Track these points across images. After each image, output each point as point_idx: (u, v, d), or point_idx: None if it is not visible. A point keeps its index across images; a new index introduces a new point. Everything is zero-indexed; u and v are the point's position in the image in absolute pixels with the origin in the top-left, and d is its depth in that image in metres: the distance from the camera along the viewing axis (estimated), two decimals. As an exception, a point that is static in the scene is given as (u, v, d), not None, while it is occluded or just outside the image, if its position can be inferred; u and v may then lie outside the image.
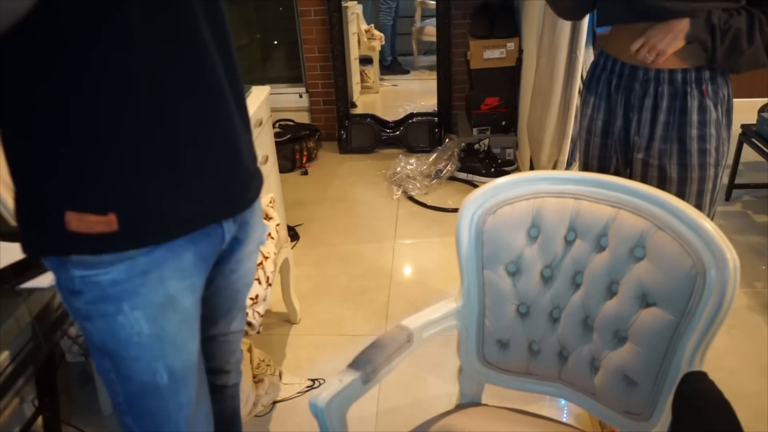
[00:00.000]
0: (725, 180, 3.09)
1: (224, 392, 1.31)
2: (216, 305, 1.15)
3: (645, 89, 1.46)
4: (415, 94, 5.06)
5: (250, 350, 2.01)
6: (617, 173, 1.57)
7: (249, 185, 1.05)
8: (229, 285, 1.14)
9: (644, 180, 1.51)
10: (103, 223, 0.86)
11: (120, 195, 0.86)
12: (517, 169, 3.53)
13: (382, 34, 5.15)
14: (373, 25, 5.15)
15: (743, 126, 2.97)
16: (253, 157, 1.08)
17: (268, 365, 2.03)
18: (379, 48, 5.10)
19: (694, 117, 1.44)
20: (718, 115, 1.46)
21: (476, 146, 3.61)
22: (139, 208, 0.88)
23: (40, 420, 1.56)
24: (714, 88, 1.43)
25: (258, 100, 2.39)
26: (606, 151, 1.59)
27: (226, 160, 0.97)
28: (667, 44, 1.34)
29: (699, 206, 1.49)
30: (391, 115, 4.15)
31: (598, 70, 1.58)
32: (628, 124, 1.52)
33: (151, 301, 0.92)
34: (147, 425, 1.01)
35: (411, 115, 4.05)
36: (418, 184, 3.45)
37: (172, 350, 0.96)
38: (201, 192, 0.94)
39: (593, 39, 2.44)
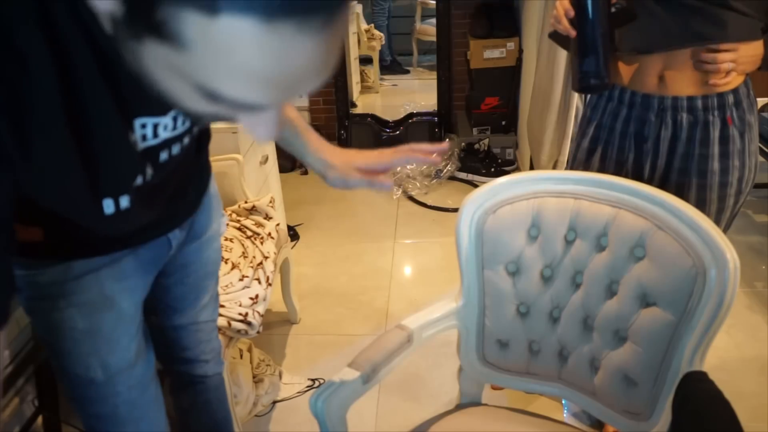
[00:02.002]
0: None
1: (206, 382, 1.32)
2: (180, 295, 1.16)
3: (661, 119, 1.35)
4: (415, 93, 5.05)
5: (250, 350, 2.01)
6: None
7: (191, 199, 1.05)
8: (191, 274, 1.15)
9: None
10: (28, 233, 0.86)
11: (45, 215, 0.84)
12: (517, 169, 3.53)
13: (381, 34, 5.14)
14: (373, 24, 5.15)
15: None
16: (201, 165, 1.07)
17: (268, 365, 2.03)
18: (379, 48, 5.09)
19: (716, 149, 1.33)
20: (744, 144, 1.35)
21: (476, 146, 3.61)
22: (64, 229, 0.87)
23: (40, 420, 1.56)
24: (740, 114, 1.33)
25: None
26: None
27: (161, 204, 0.95)
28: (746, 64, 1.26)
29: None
30: (391, 114, 4.15)
31: (602, 100, 1.45)
32: (641, 156, 1.41)
33: (86, 299, 0.94)
34: (89, 410, 1.04)
35: (411, 115, 4.05)
36: (418, 184, 3.45)
37: (105, 347, 0.97)
38: (132, 227, 0.92)
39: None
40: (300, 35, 0.44)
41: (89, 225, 0.83)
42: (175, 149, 0.82)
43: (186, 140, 0.84)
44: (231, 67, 0.45)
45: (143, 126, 0.74)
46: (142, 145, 0.75)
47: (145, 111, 0.72)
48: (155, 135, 0.76)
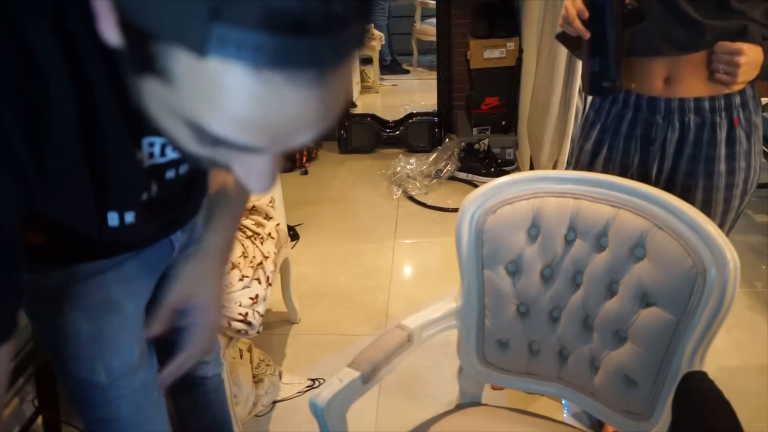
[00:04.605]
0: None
1: (206, 384, 1.32)
2: None
3: (669, 121, 1.35)
4: (415, 93, 5.05)
5: (250, 350, 2.01)
6: None
7: (193, 202, 1.04)
8: None
9: None
10: (30, 237, 0.85)
11: (47, 221, 0.83)
12: (517, 169, 3.53)
13: (381, 34, 5.15)
14: (372, 24, 5.14)
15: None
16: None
17: (268, 365, 2.03)
18: (379, 48, 5.10)
19: (723, 150, 1.33)
20: (751, 145, 1.34)
21: (476, 146, 3.61)
22: (67, 234, 0.86)
23: (40, 420, 1.56)
24: (746, 115, 1.33)
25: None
26: None
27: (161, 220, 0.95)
28: (745, 73, 1.23)
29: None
30: (391, 114, 4.15)
31: (607, 103, 1.44)
32: (647, 159, 1.41)
33: (90, 302, 0.94)
34: (92, 414, 1.03)
35: (411, 115, 4.05)
36: (418, 184, 3.45)
37: (109, 350, 0.97)
38: (135, 239, 0.92)
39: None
40: (290, 87, 0.43)
41: (92, 236, 0.83)
42: (183, 169, 0.82)
43: None
44: (217, 108, 0.45)
45: (151, 144, 0.74)
46: (148, 162, 0.76)
47: (154, 130, 0.74)
48: (162, 154, 0.76)
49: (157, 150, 0.75)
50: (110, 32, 0.48)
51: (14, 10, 0.56)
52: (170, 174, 0.81)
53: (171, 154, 0.77)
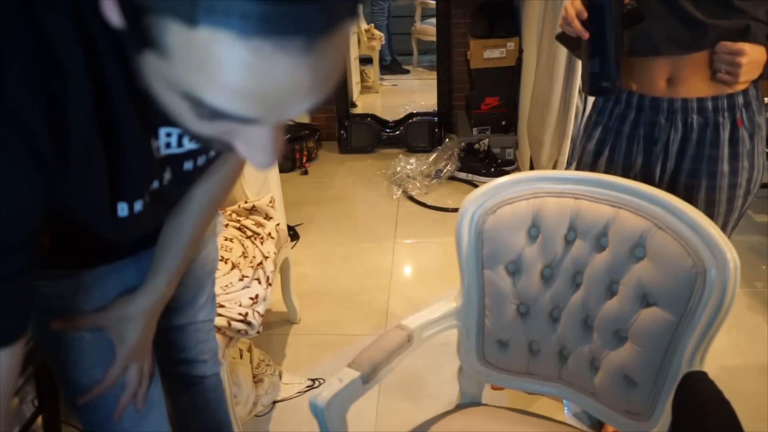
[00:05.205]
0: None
1: (205, 383, 1.32)
2: (179, 295, 1.16)
3: (671, 121, 1.35)
4: (415, 93, 5.05)
5: (250, 350, 2.01)
6: None
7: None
8: (189, 274, 1.15)
9: None
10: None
11: (53, 219, 0.83)
12: (517, 169, 3.53)
13: (381, 34, 5.15)
14: (372, 24, 5.15)
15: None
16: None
17: (268, 365, 2.03)
18: (378, 48, 5.10)
19: (726, 150, 1.33)
20: (754, 145, 1.35)
21: (476, 146, 3.61)
22: (70, 235, 0.87)
23: (40, 420, 1.56)
24: (749, 115, 1.33)
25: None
26: None
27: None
28: (748, 72, 1.23)
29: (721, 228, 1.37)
30: (391, 114, 4.15)
31: (609, 103, 1.44)
32: (650, 159, 1.41)
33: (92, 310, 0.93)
34: (92, 415, 1.03)
35: (411, 115, 4.05)
36: (418, 184, 3.45)
37: (110, 357, 0.97)
38: (140, 232, 0.92)
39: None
40: (279, 55, 0.44)
41: (100, 230, 0.82)
42: (201, 160, 0.83)
43: (212, 153, 0.84)
44: (210, 78, 0.45)
45: (168, 135, 0.75)
46: (165, 152, 0.76)
47: (170, 121, 0.75)
48: (180, 144, 0.77)
49: (174, 140, 0.76)
50: (113, 13, 0.49)
51: (32, 4, 0.56)
52: (188, 165, 0.81)
53: (188, 145, 0.78)
